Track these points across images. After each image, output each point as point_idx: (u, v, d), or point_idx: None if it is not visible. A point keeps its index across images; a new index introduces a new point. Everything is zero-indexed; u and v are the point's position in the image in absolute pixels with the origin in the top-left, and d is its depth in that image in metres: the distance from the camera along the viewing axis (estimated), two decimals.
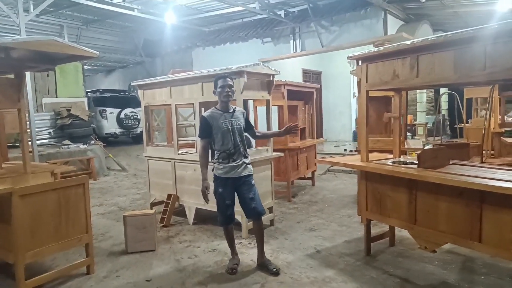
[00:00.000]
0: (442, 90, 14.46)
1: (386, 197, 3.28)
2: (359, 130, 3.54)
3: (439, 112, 13.03)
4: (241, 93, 4.01)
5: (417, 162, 3.31)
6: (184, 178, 4.76)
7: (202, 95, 4.38)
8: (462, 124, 10.09)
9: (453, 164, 3.20)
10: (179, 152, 4.87)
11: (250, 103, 9.65)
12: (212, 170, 3.32)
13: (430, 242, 2.93)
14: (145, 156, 5.28)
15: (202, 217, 4.83)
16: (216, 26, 11.58)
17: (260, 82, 4.35)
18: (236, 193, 3.32)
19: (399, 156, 3.69)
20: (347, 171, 7.99)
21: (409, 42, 2.95)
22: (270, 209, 4.57)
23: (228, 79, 3.22)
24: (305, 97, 6.70)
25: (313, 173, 6.90)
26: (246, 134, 3.43)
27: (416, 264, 3.33)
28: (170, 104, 4.85)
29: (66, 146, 8.64)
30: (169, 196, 4.86)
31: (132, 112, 12.58)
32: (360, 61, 3.44)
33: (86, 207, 3.35)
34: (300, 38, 9.53)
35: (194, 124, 4.93)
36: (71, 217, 3.24)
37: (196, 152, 4.87)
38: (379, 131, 5.68)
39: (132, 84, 5.23)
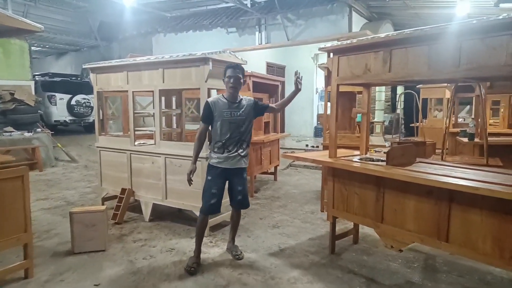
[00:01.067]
0: (399, 89, 15.00)
1: (353, 195, 3.19)
2: (329, 125, 3.42)
3: (394, 110, 13.50)
4: (206, 81, 3.74)
5: (384, 159, 3.27)
6: (141, 171, 4.41)
7: (163, 82, 4.06)
8: (418, 123, 10.49)
9: (419, 162, 3.17)
10: (136, 143, 4.51)
11: (214, 93, 9.37)
12: (207, 160, 3.34)
13: (397, 241, 2.88)
14: (97, 147, 4.86)
15: (159, 213, 4.52)
16: (179, 12, 11.07)
17: None
18: (227, 182, 3.28)
19: (366, 153, 3.63)
20: (308, 166, 7.98)
21: (383, 35, 2.85)
22: None
23: (238, 70, 3.14)
24: (271, 90, 6.54)
25: (275, 168, 6.78)
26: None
27: (381, 262, 3.29)
28: (126, 91, 4.47)
29: (8, 134, 7.84)
30: (123, 190, 4.50)
31: (84, 99, 11.77)
32: (331, 53, 3.30)
33: (25, 203, 2.94)
34: (265, 30, 9.34)
35: (154, 113, 4.60)
36: (6, 214, 2.83)
37: (154, 144, 4.56)
38: (343, 127, 5.66)
39: (84, 67, 4.76)
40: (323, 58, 13.11)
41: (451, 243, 2.53)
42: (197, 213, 3.89)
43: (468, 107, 12.49)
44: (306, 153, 3.76)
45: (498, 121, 8.05)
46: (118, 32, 12.89)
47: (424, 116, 10.16)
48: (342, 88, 4.82)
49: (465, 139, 5.61)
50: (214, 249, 3.62)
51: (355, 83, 3.36)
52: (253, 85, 5.62)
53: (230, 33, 10.14)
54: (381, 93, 12.33)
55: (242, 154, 3.21)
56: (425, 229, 2.68)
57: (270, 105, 3.56)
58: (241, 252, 3.45)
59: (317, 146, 9.24)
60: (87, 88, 11.79)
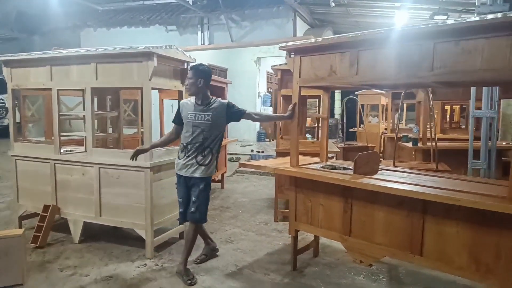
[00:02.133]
0: (336, 95, 15.48)
1: (317, 206, 2.95)
2: (290, 131, 3.15)
3: (332, 116, 13.90)
4: (150, 79, 3.25)
5: (347, 167, 3.09)
6: (69, 184, 3.74)
7: (96, 79, 3.47)
8: (356, 128, 10.84)
9: (382, 169, 3.04)
10: (62, 150, 3.82)
11: (154, 94, 8.76)
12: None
13: (366, 255, 2.68)
14: (12, 155, 4.04)
15: (92, 233, 3.87)
16: (112, 5, 10.14)
17: (173, 69, 3.63)
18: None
19: (326, 160, 3.43)
20: (255, 172, 7.71)
21: (350, 34, 2.64)
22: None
23: (192, 71, 2.97)
24: (217, 92, 6.14)
25: (222, 175, 6.39)
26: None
27: (345, 277, 3.09)
28: (50, 89, 3.77)
29: None
30: (46, 207, 3.78)
31: None
32: (292, 53, 3.04)
33: None
34: (208, 30, 8.92)
35: (84, 115, 3.95)
36: None
37: (85, 151, 3.93)
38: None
39: None
40: (266, 62, 13.02)
41: (425, 257, 2.39)
42: (138, 231, 3.42)
43: (397, 113, 13.31)
44: (264, 161, 3.46)
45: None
46: (41, 24, 11.48)
47: (361, 122, 10.47)
48: (287, 92, 4.65)
49: (408, 144, 5.77)
50: (161, 273, 3.12)
51: (318, 86, 3.13)
52: None
53: (170, 31, 9.53)
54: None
55: (200, 162, 2.95)
56: (396, 242, 2.51)
57: (248, 111, 3.12)
58: (193, 276, 3.01)
59: (262, 151, 9.03)
60: (0, 87, 10.26)
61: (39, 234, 3.64)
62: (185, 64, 3.77)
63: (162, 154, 3.52)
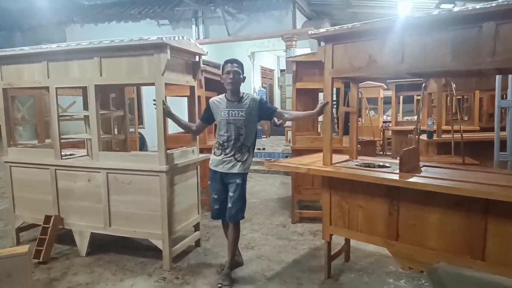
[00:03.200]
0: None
1: (356, 209, 2.70)
2: (323, 127, 2.88)
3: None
4: (162, 74, 2.92)
5: (384, 164, 2.85)
6: (72, 192, 3.39)
7: (101, 75, 3.12)
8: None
9: (424, 166, 2.81)
10: (63, 155, 3.47)
11: (148, 91, 8.43)
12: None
13: (417, 261, 2.45)
14: (6, 162, 3.66)
15: (100, 245, 3.54)
16: None
17: (185, 62, 3.31)
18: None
19: (356, 157, 3.18)
20: (259, 170, 7.45)
21: (393, 19, 2.39)
22: (196, 227, 3.59)
23: (236, 64, 2.90)
24: (219, 87, 5.82)
25: None
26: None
27: (385, 282, 2.85)
28: (47, 87, 3.40)
29: None
30: (47, 218, 3.42)
31: None
32: (323, 41, 2.76)
33: None
34: (203, 24, 8.54)
35: (85, 116, 3.61)
36: None
37: (87, 155, 3.60)
38: (306, 128, 5.22)
39: None
40: (260, 57, 12.73)
41: (488, 262, 2.16)
42: (154, 242, 3.11)
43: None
44: (292, 161, 3.17)
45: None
46: (22, 20, 10.86)
47: (359, 115, 10.25)
48: (303, 86, 4.39)
49: (422, 137, 5.57)
50: (184, 287, 2.83)
51: (357, 77, 2.86)
52: (205, 82, 4.88)
53: (162, 26, 9.10)
54: (320, 94, 12.32)
55: (238, 158, 2.89)
56: (453, 247, 2.28)
57: (279, 110, 3.03)
58: (229, 284, 2.84)
59: (263, 149, 8.76)
60: None
61: (41, 248, 3.29)
62: (197, 56, 3.45)
63: (177, 156, 3.21)
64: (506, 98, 4.07)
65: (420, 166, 2.78)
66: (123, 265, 3.21)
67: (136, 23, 9.31)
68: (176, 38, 3.01)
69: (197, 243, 3.61)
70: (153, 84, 3.00)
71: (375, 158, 3.38)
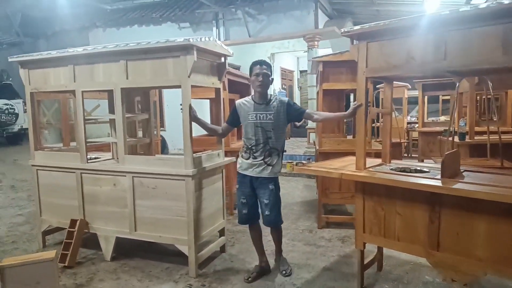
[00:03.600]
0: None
1: (393, 215, 2.54)
2: (357, 129, 2.74)
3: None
4: (189, 76, 2.86)
5: (420, 168, 2.69)
6: (98, 196, 3.36)
7: (127, 78, 3.08)
8: (378, 124, 10.37)
9: (465, 171, 2.63)
10: (88, 158, 3.45)
11: (169, 93, 8.48)
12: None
13: (461, 272, 2.28)
14: (33, 166, 3.67)
15: (125, 249, 3.49)
16: (121, 4, 9.75)
17: (210, 64, 3.24)
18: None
19: (389, 161, 3.02)
20: (281, 173, 7.30)
21: (433, 13, 2.23)
22: (221, 232, 3.51)
23: (265, 66, 2.86)
24: (242, 90, 5.76)
25: None
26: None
27: None
28: (73, 91, 3.39)
29: None
30: (73, 222, 3.40)
31: (6, 104, 9.89)
32: (356, 39, 2.63)
33: None
34: (224, 26, 8.50)
35: (111, 119, 3.59)
36: None
37: (112, 158, 3.58)
38: (331, 130, 5.08)
39: (10, 59, 3.56)
40: (280, 58, 12.62)
41: None
42: (180, 247, 3.04)
43: (416, 106, 12.76)
44: (322, 165, 3.04)
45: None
46: (46, 27, 11.13)
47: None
48: (330, 86, 4.24)
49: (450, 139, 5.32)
50: None
51: (393, 76, 2.72)
52: (228, 83, 4.80)
53: (182, 29, 9.12)
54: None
55: (268, 162, 2.86)
56: (502, 258, 2.10)
57: (308, 111, 3.00)
58: (289, 267, 3.05)
59: (285, 151, 8.59)
60: (8, 92, 9.95)
61: (67, 252, 3.27)
62: (223, 58, 3.38)
63: (204, 160, 3.14)
64: None
65: (461, 171, 2.60)
66: (148, 271, 3.16)
67: (158, 27, 9.36)
68: (203, 39, 2.93)
69: (222, 248, 3.52)
70: (178, 86, 2.93)
71: (409, 162, 3.21)
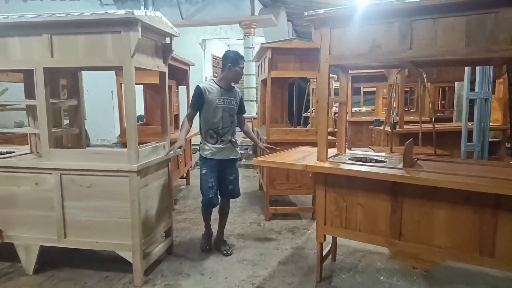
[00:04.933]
0: None
1: (355, 207, 2.51)
2: (319, 120, 2.64)
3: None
4: (132, 56, 2.46)
5: (377, 159, 2.71)
6: (15, 198, 2.78)
7: (52, 56, 2.55)
8: (309, 113, 10.65)
9: (418, 160, 2.71)
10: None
11: (102, 77, 7.56)
12: (198, 150, 3.26)
13: (422, 260, 2.33)
14: None
15: (51, 258, 2.98)
16: None
17: (155, 44, 2.85)
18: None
19: (344, 151, 3.01)
20: None
21: (399, 1, 2.20)
22: (168, 232, 3.19)
23: (240, 58, 3.08)
24: (179, 75, 5.36)
25: (188, 170, 5.66)
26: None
27: (379, 282, 2.73)
28: None
29: None
30: None
31: None
32: (319, 25, 2.50)
33: None
34: (153, 6, 7.83)
35: (28, 106, 3.01)
36: None
37: (31, 152, 3.03)
38: (275, 119, 4.99)
39: None
40: (211, 45, 12.20)
41: (498, 258, 2.10)
42: (123, 254, 2.67)
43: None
44: (279, 156, 2.89)
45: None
46: None
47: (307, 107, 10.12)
48: (278, 74, 4.10)
49: (381, 128, 5.64)
50: None
51: (359, 64, 2.65)
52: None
53: (105, 5, 8.21)
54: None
55: (235, 144, 3.12)
56: (461, 244, 2.19)
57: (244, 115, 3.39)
58: (229, 248, 3.24)
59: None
60: None
61: None
62: (168, 38, 3.01)
63: (149, 153, 2.77)
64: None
65: (415, 160, 2.68)
66: (83, 282, 2.72)
67: (74, 2, 8.29)
68: (148, 14, 2.55)
69: (169, 250, 3.20)
70: (119, 68, 2.52)
71: (360, 151, 3.24)
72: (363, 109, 10.11)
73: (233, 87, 3.14)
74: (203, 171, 3.06)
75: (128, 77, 2.49)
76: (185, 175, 5.50)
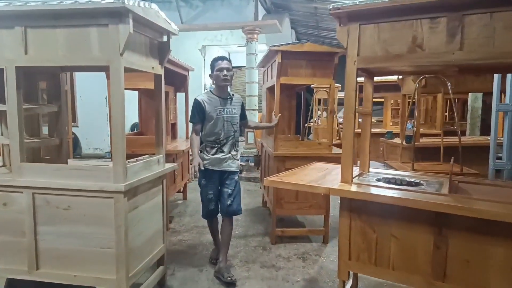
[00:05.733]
0: None
1: (387, 239, 2.08)
2: (344, 133, 2.23)
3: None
4: (121, 54, 2.05)
5: (409, 180, 2.29)
6: None
7: (26, 53, 2.14)
8: (312, 123, 10.25)
9: (459, 182, 2.29)
10: None
11: (96, 81, 7.22)
12: None
13: None
14: None
15: None
16: None
17: (150, 42, 2.45)
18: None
19: (368, 170, 2.59)
20: None
21: None
22: (160, 260, 2.73)
23: (226, 61, 2.91)
24: (177, 81, 4.96)
25: (185, 184, 5.22)
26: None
27: None
28: None
29: None
30: None
31: None
32: (346, 20, 2.10)
33: None
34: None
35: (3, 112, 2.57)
36: None
37: (3, 165, 2.59)
38: (282, 130, 4.57)
39: None
40: (211, 52, 11.84)
41: None
42: None
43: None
44: (293, 175, 2.46)
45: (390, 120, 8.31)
46: None
47: (311, 117, 9.77)
48: (288, 80, 3.67)
49: (397, 141, 5.24)
50: None
51: (393, 68, 2.25)
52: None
53: None
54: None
55: (235, 155, 2.98)
56: None
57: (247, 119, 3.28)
58: (233, 275, 2.84)
59: None
60: None
61: None
62: (165, 36, 2.60)
63: (140, 169, 2.34)
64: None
65: (456, 182, 2.26)
66: None
67: None
68: (141, 5, 2.14)
69: (162, 281, 2.75)
70: (103, 69, 2.11)
71: (387, 171, 2.82)
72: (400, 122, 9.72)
73: (233, 94, 3.00)
74: (203, 182, 2.97)
75: (116, 79, 2.07)
76: (181, 189, 5.04)
